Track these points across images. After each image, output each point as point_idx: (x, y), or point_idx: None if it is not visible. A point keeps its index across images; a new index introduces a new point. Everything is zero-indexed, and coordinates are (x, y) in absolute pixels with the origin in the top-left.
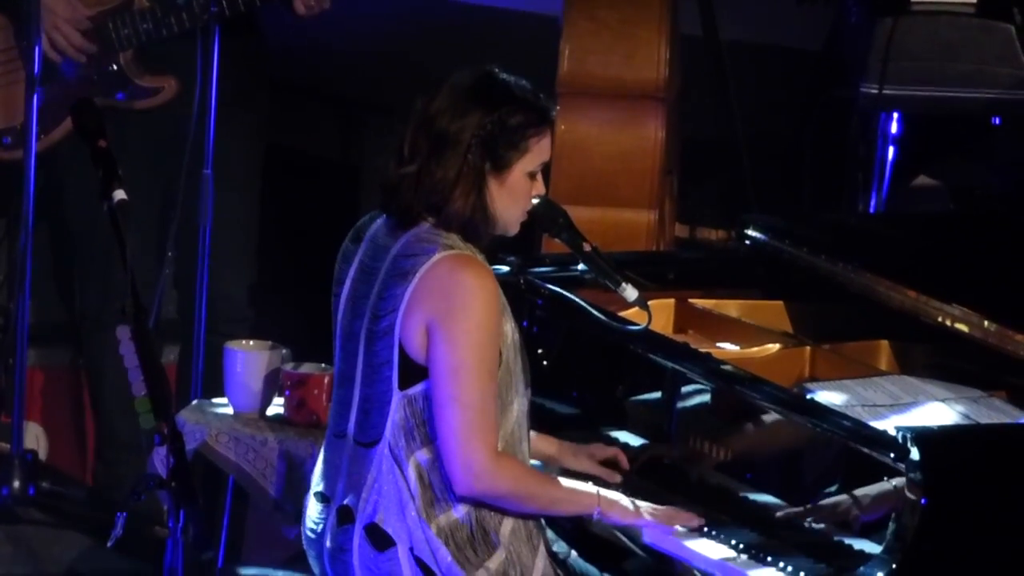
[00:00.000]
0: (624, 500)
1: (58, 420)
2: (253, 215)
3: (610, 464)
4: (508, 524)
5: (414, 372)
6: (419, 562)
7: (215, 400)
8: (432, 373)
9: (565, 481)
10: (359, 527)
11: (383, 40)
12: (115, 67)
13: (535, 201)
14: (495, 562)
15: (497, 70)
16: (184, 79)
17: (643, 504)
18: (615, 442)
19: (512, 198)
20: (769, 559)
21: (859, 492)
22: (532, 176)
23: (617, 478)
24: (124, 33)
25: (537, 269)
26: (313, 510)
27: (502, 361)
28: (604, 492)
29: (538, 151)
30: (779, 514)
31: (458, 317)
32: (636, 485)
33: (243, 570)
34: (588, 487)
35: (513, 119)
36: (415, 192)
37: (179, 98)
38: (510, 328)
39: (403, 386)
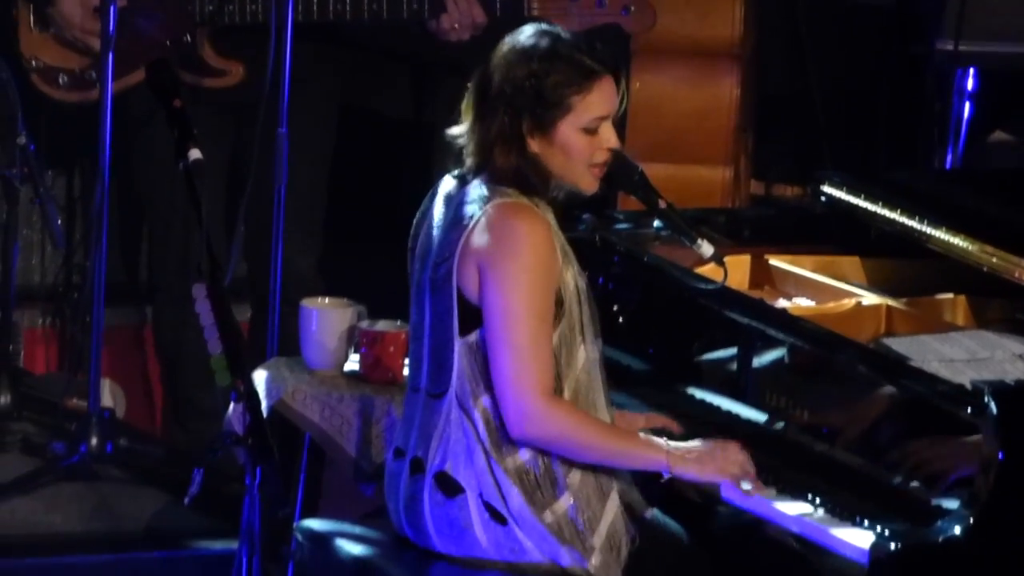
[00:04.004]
0: (696, 454)
1: (133, 377)
2: (323, 182)
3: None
4: (576, 470)
5: (473, 318)
6: (488, 507)
7: (291, 358)
8: (484, 318)
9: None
10: (429, 476)
11: None
12: (188, 39)
13: (614, 154)
14: (561, 506)
15: (551, 27)
16: (260, 53)
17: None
18: (691, 399)
19: (567, 155)
20: (846, 515)
21: (944, 449)
22: (590, 132)
23: (678, 428)
24: (208, 9)
25: (613, 226)
26: (391, 465)
27: (564, 310)
28: (675, 447)
29: (584, 107)
30: (862, 469)
31: (506, 260)
32: (705, 437)
33: (317, 523)
34: (659, 442)
35: (551, 78)
36: (467, 151)
37: (257, 68)
38: (571, 276)
39: (463, 332)
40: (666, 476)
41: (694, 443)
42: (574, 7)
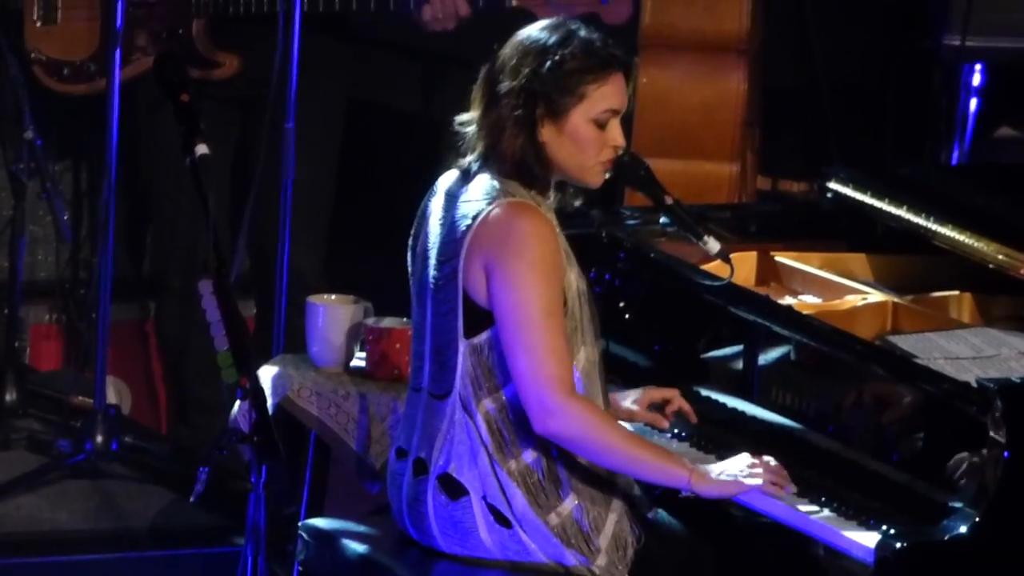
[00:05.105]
0: (717, 472)
1: (139, 374)
2: (328, 178)
3: (657, 408)
4: (580, 472)
5: (479, 319)
6: (492, 509)
7: (297, 355)
8: (496, 319)
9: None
10: (432, 478)
11: None
12: (182, 31)
13: (618, 152)
14: (566, 508)
15: (565, 20)
16: (260, 46)
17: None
18: (697, 396)
19: (576, 145)
20: (851, 514)
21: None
22: (600, 125)
23: (664, 423)
24: (205, 0)
25: (620, 222)
26: (394, 464)
27: (568, 311)
28: (698, 467)
29: (598, 98)
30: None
31: (513, 259)
32: (710, 434)
33: (322, 522)
34: (682, 459)
35: (568, 64)
36: (475, 138)
37: (258, 62)
38: (575, 276)
39: (468, 334)
40: (685, 493)
41: (724, 464)
42: None
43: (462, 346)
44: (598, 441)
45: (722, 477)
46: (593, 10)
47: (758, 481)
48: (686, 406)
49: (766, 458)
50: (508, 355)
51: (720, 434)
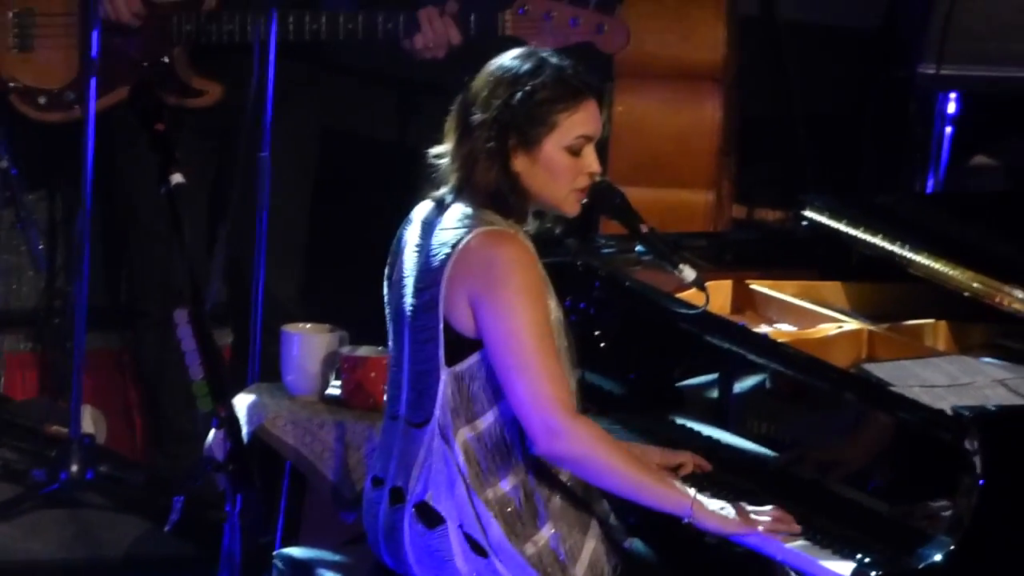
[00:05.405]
0: (723, 507)
1: (114, 403)
2: (304, 207)
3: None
4: (557, 501)
5: (461, 348)
6: (468, 538)
7: (272, 383)
8: (487, 349)
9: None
10: (409, 506)
11: (426, 2)
12: (167, 60)
13: (594, 179)
14: (543, 537)
15: (536, 49)
16: (237, 74)
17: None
18: (673, 424)
19: (550, 174)
20: (827, 542)
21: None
22: (573, 152)
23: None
24: (186, 29)
25: (595, 251)
26: (370, 493)
27: None
28: (701, 497)
29: (570, 126)
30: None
31: (498, 288)
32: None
33: (297, 551)
34: (683, 487)
35: (539, 94)
36: (449, 170)
37: (234, 89)
38: (553, 305)
39: (450, 362)
40: (685, 521)
41: (728, 507)
42: (548, 26)
43: (443, 374)
44: (602, 461)
45: (724, 512)
46: (589, 39)
47: (760, 525)
48: (701, 461)
49: (766, 507)
50: (505, 382)
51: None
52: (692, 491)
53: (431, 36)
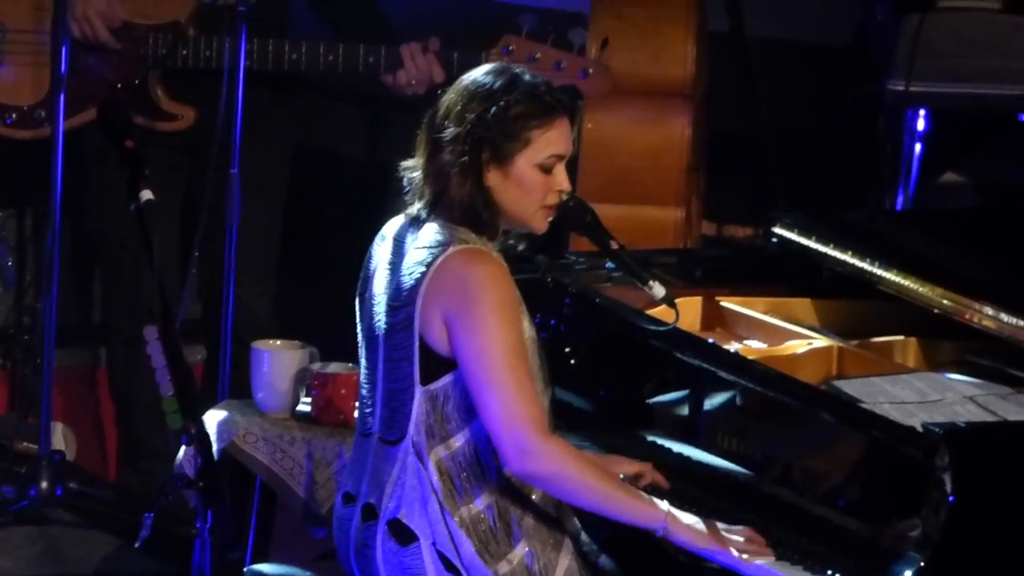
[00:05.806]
0: (696, 522)
1: (84, 420)
2: (276, 223)
3: (630, 481)
4: (531, 519)
5: (436, 366)
6: (441, 556)
7: (243, 400)
8: (461, 367)
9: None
10: (382, 523)
11: (409, 38)
12: (138, 82)
13: (563, 197)
14: (517, 555)
15: (510, 65)
16: (214, 99)
17: (719, 527)
18: (643, 441)
19: (521, 190)
20: (796, 559)
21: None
22: (545, 169)
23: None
24: (160, 52)
25: (565, 268)
26: (340, 509)
27: None
28: (674, 511)
29: (543, 143)
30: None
31: (472, 306)
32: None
33: (267, 567)
34: (657, 500)
35: (513, 110)
36: (421, 185)
37: (212, 114)
38: (527, 323)
39: (425, 381)
40: (659, 535)
41: (700, 523)
42: (532, 68)
43: (418, 392)
44: (575, 480)
45: (697, 526)
46: (571, 83)
47: (733, 544)
48: (659, 477)
49: (738, 527)
50: (477, 399)
51: (666, 479)
52: (665, 504)
53: (414, 72)
